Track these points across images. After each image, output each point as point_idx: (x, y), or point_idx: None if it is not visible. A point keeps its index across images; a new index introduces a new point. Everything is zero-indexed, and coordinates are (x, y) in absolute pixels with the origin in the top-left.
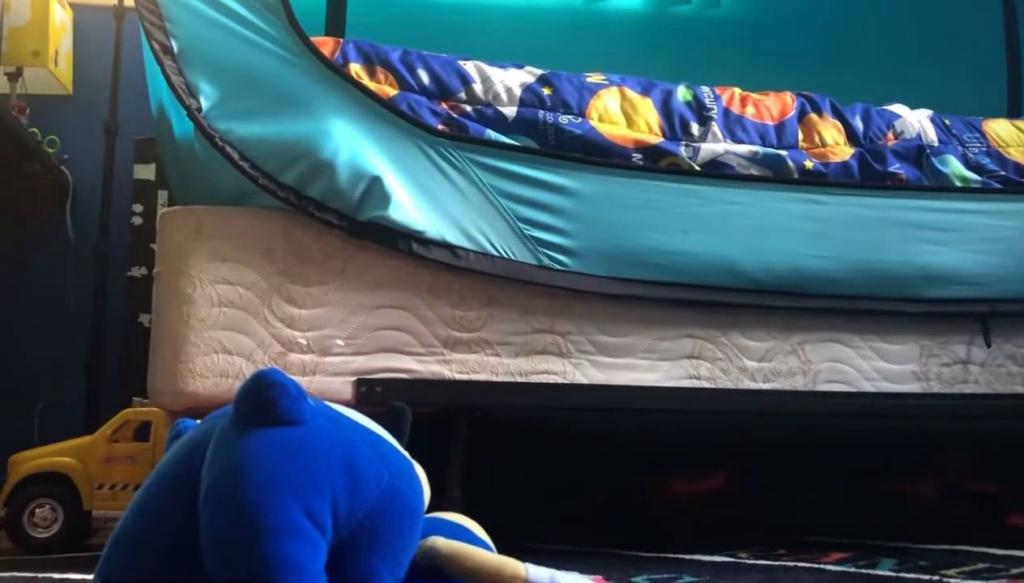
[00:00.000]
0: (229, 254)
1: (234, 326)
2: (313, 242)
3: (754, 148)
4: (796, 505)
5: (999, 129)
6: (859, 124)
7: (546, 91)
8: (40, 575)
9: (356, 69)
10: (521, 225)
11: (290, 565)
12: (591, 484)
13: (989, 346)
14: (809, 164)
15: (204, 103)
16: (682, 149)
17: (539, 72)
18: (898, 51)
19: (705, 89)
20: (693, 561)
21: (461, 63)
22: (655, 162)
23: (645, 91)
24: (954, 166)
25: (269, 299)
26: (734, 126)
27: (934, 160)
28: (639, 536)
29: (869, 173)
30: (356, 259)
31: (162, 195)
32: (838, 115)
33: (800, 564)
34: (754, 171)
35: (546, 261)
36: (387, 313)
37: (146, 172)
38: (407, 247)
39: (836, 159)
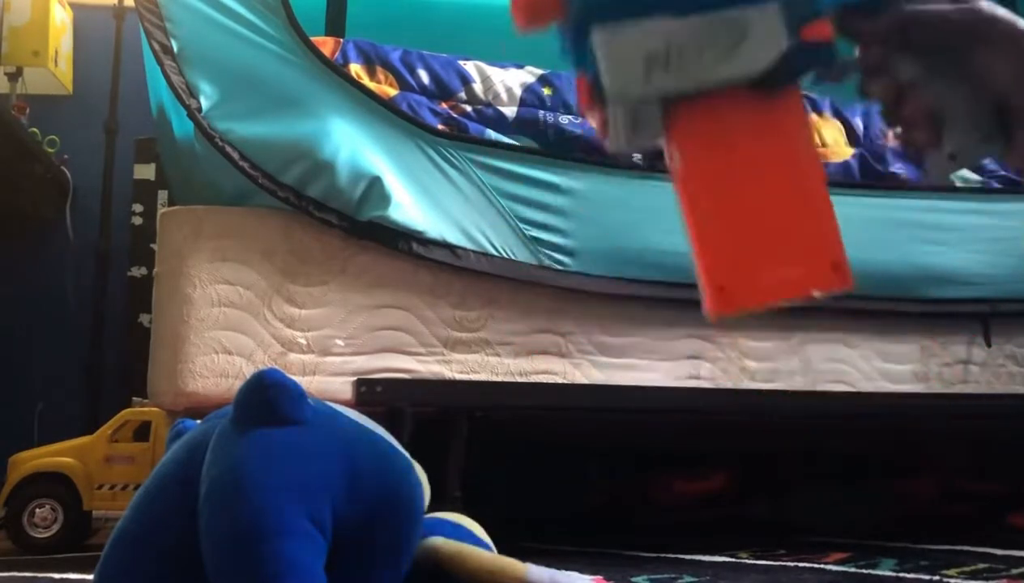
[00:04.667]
0: (229, 254)
1: (234, 326)
2: (313, 242)
3: None
4: (796, 505)
5: None
6: (859, 124)
7: (546, 91)
8: (40, 575)
9: (356, 69)
10: (521, 225)
11: (290, 566)
12: (591, 484)
13: (989, 346)
14: None
15: (204, 103)
16: None
17: (539, 72)
18: None
19: None
20: (693, 561)
21: (461, 63)
22: (655, 162)
23: None
24: None
25: (269, 299)
26: None
27: None
28: (639, 536)
29: (869, 173)
30: (356, 259)
31: (162, 195)
32: (838, 115)
33: (800, 564)
34: None
35: (546, 261)
36: (387, 313)
37: (146, 172)
38: (407, 247)
39: (836, 159)
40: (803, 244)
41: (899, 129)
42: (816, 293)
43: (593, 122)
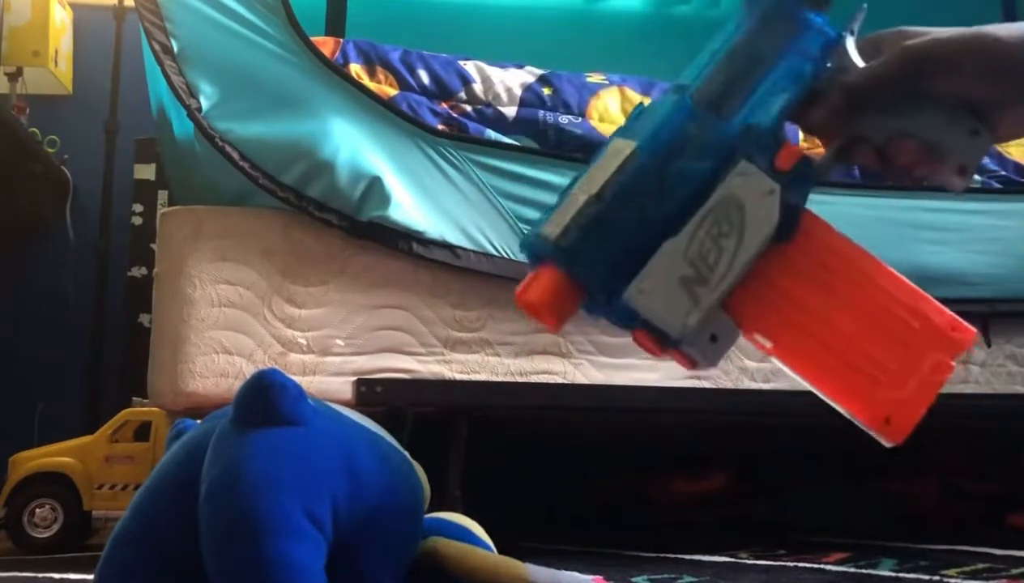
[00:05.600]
0: (229, 254)
1: (234, 326)
2: (313, 242)
3: None
4: (796, 505)
5: None
6: None
7: (546, 91)
8: (40, 575)
9: (356, 69)
10: (521, 225)
11: (291, 566)
12: (591, 484)
13: (989, 346)
14: None
15: (204, 103)
16: None
17: (539, 72)
18: None
19: None
20: (693, 561)
21: (461, 63)
22: None
23: (645, 91)
24: None
25: (269, 299)
26: None
27: None
28: (639, 536)
29: (869, 173)
30: (356, 259)
31: (162, 195)
32: None
33: (800, 564)
34: None
35: None
36: (387, 313)
37: (146, 172)
38: (407, 247)
39: None
40: (917, 334)
41: (901, 177)
42: (956, 360)
43: (677, 361)
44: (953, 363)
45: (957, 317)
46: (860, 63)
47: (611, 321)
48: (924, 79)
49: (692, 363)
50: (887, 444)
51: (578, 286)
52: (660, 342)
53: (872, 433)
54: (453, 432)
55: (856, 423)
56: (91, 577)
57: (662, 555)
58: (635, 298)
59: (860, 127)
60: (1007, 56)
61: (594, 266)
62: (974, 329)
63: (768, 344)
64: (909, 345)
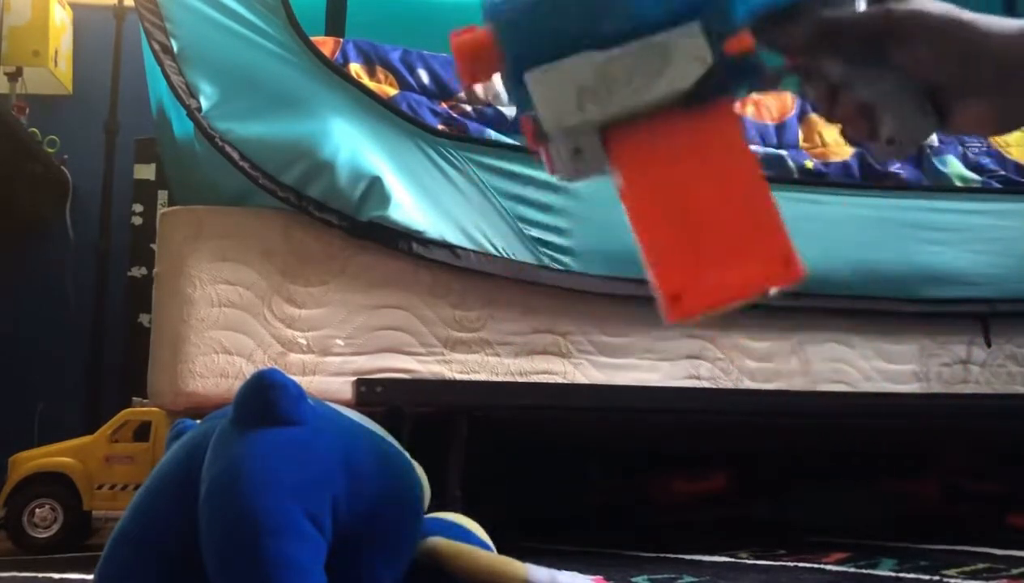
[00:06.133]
0: (229, 254)
1: (234, 326)
2: (313, 242)
3: (754, 148)
4: (796, 505)
5: None
6: None
7: None
8: (40, 575)
9: (356, 69)
10: (521, 225)
11: (290, 566)
12: (591, 484)
13: (989, 346)
14: (809, 164)
15: (204, 103)
16: None
17: None
18: None
19: None
20: (693, 561)
21: None
22: None
23: None
24: (954, 166)
25: (269, 299)
26: None
27: (934, 160)
28: (639, 536)
29: (869, 173)
30: (356, 259)
31: (162, 195)
32: None
33: (800, 564)
34: None
35: (546, 261)
36: (387, 313)
37: (146, 172)
38: (407, 247)
39: (836, 159)
40: (752, 245)
41: (837, 125)
42: (771, 290)
43: (541, 157)
44: (766, 290)
45: (796, 258)
46: (862, 3)
47: (511, 99)
48: (895, 46)
49: (553, 167)
50: (665, 320)
51: (500, 53)
52: (536, 133)
53: (658, 301)
54: (453, 432)
55: (653, 288)
56: (91, 577)
57: (662, 555)
58: (533, 80)
59: (820, 63)
60: (980, 47)
61: (519, 40)
62: (802, 275)
63: (620, 183)
64: (738, 252)
